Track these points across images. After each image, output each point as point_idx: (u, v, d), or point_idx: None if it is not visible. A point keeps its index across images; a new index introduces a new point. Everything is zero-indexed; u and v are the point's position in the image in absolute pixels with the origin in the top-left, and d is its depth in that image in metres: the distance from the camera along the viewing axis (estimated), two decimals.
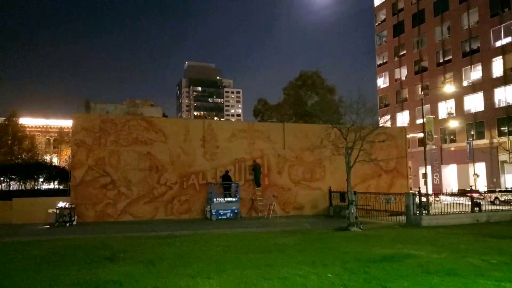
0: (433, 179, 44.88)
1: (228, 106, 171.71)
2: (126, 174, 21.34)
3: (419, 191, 18.65)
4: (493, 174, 42.60)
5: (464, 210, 19.54)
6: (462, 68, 47.17)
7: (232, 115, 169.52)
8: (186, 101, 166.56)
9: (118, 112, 41.53)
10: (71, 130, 23.01)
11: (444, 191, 39.94)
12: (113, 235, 14.90)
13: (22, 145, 57.41)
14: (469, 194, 23.19)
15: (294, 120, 43.19)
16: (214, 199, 21.23)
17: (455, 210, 19.06)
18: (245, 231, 15.77)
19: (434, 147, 45.65)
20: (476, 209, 19.65)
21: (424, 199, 18.66)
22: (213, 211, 21.09)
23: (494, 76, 43.68)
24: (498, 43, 43.18)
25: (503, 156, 40.74)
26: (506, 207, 24.80)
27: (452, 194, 27.94)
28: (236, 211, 21.58)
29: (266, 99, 55.96)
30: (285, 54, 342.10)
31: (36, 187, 35.14)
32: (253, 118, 54.95)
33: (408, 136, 32.11)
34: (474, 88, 45.57)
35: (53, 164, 50.73)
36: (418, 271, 8.15)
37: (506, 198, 30.05)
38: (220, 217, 21.05)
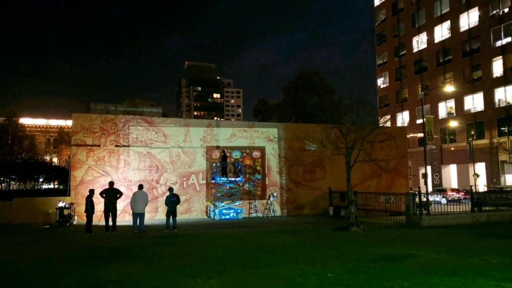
0: (433, 179, 44.86)
1: (228, 106, 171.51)
2: (126, 174, 21.35)
3: (419, 191, 18.63)
4: (493, 174, 42.57)
5: (464, 210, 19.51)
6: (462, 68, 47.14)
7: (232, 115, 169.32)
8: (186, 101, 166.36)
9: (118, 112, 41.52)
10: (71, 130, 22.98)
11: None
12: (113, 235, 14.92)
13: (22, 145, 57.37)
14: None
15: (294, 120, 43.10)
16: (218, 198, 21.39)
17: (455, 210, 19.05)
18: (245, 231, 15.77)
19: (434, 147, 45.61)
20: (476, 209, 19.64)
21: (424, 199, 18.65)
22: (217, 211, 21.07)
23: (494, 76, 43.66)
24: (498, 43, 43.15)
25: (503, 156, 40.72)
26: (506, 207, 24.75)
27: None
28: (239, 211, 21.57)
29: (266, 99, 56.04)
30: (285, 53, 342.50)
31: (36, 187, 35.16)
32: (253, 118, 54.94)
33: (408, 136, 32.14)
34: (474, 88, 45.53)
35: (53, 164, 50.79)
36: (418, 271, 8.14)
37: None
38: (223, 217, 21.03)
